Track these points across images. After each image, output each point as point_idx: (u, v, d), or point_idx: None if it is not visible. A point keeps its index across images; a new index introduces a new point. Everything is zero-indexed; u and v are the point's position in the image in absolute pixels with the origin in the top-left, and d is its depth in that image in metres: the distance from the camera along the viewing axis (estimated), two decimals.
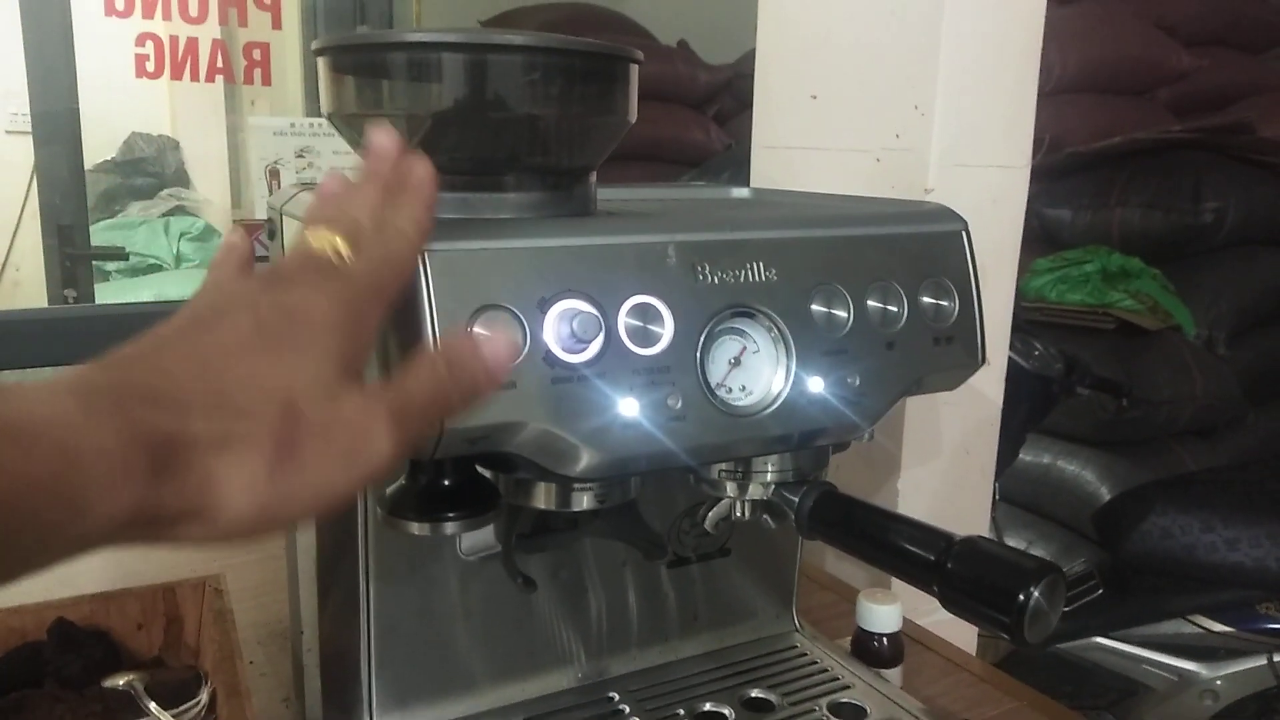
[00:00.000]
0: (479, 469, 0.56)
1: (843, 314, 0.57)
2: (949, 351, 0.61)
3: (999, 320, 1.11)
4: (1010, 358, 2.13)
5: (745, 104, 3.39)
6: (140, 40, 2.27)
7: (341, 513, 0.63)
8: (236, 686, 0.67)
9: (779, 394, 0.55)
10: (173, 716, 0.68)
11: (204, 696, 0.70)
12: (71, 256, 2.35)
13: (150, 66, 2.30)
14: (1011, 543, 2.44)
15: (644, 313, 0.51)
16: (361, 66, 0.56)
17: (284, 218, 0.65)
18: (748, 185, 0.99)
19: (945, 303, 0.60)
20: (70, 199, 2.34)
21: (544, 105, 0.56)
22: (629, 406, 0.51)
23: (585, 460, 0.51)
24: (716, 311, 0.53)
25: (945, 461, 1.09)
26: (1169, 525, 2.20)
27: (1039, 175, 3.01)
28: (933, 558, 0.54)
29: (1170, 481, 2.32)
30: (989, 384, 1.11)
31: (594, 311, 0.50)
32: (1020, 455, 2.49)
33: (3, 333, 1.61)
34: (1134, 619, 2.19)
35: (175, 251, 3.22)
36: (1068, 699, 2.12)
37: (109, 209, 3.36)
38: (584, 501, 0.58)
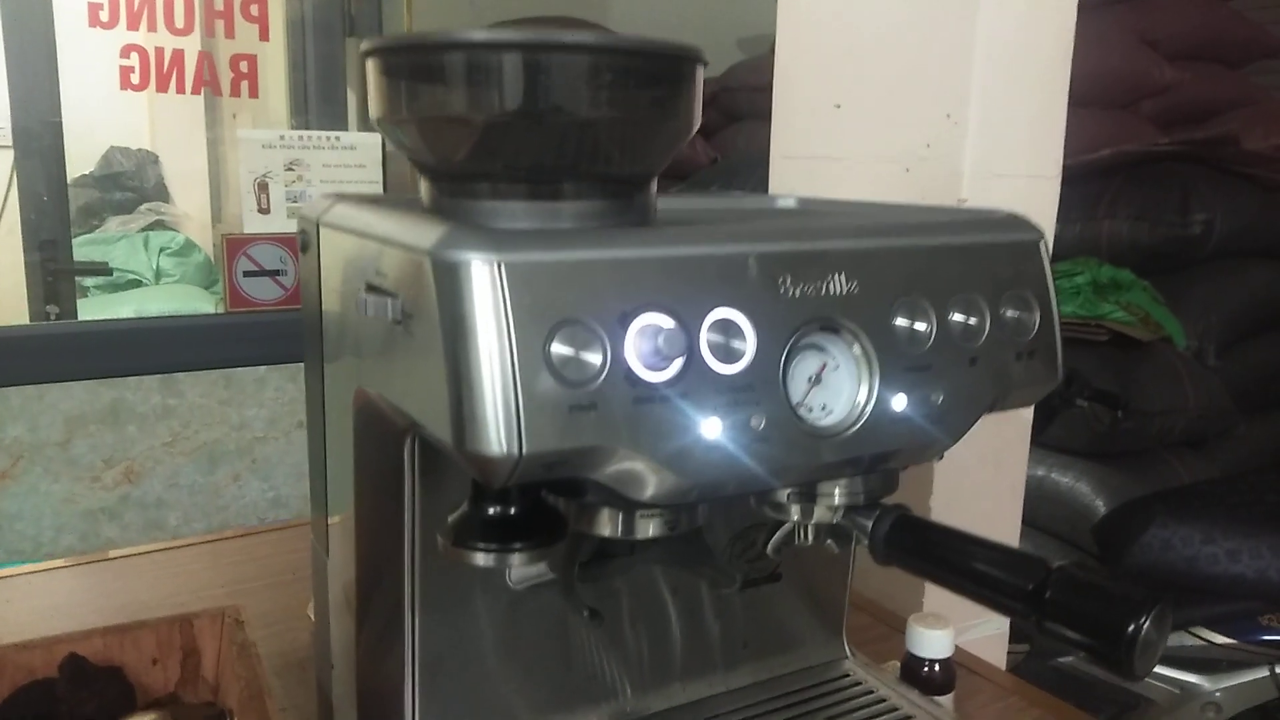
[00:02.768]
0: (544, 495, 0.53)
1: (925, 328, 0.54)
2: (1030, 366, 0.58)
3: None
4: None
5: (732, 117, 3.39)
6: (125, 52, 2.22)
7: (384, 540, 0.60)
8: None
9: (862, 413, 0.52)
10: None
11: None
12: (54, 272, 2.29)
13: (135, 79, 2.25)
14: None
15: (726, 328, 0.48)
16: (416, 69, 0.52)
17: (321, 229, 0.61)
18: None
19: (1026, 315, 0.58)
20: (52, 213, 2.28)
21: (608, 108, 0.53)
22: (711, 427, 0.48)
23: (664, 485, 0.48)
24: (799, 326, 0.50)
25: (976, 476, 1.07)
26: (1169, 537, 2.19)
27: None
28: (1031, 587, 0.51)
29: (1169, 493, 2.32)
30: None
31: (673, 325, 0.46)
32: None
33: None
34: None
35: (155, 267, 3.17)
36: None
37: (87, 224, 3.30)
38: (651, 529, 0.54)
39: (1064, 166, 2.79)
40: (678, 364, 0.47)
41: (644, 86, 0.54)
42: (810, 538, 0.62)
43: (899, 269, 0.54)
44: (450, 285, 0.44)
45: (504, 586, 0.63)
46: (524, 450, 0.43)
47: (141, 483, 1.76)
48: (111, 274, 2.64)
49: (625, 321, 0.46)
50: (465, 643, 0.63)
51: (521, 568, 0.62)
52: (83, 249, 3.23)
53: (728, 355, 0.48)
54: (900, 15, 1.01)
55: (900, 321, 0.53)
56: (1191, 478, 2.53)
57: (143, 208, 3.48)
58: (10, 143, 2.21)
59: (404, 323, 0.48)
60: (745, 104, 3.18)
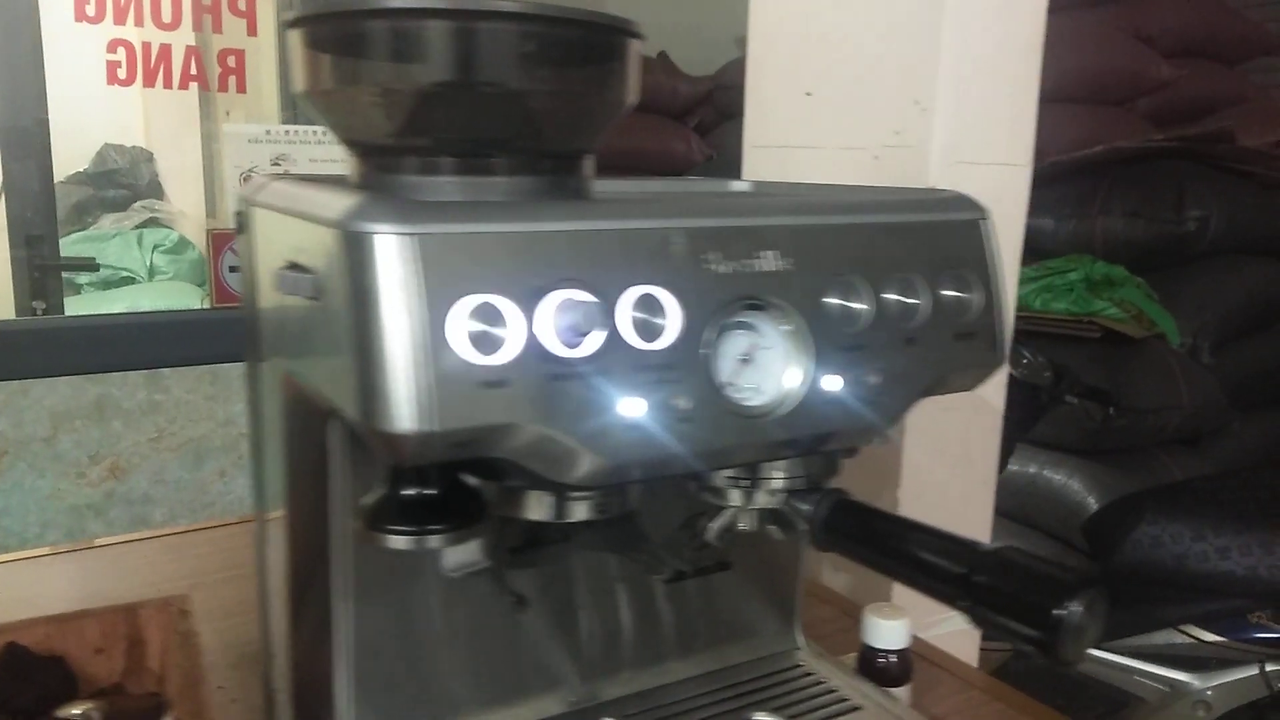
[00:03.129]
0: (464, 478, 0.52)
1: (861, 307, 0.53)
2: (971, 348, 0.57)
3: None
4: None
5: (726, 115, 3.37)
6: (112, 47, 2.21)
7: (314, 528, 0.58)
8: (200, 715, 0.62)
9: (794, 394, 0.51)
10: None
11: None
12: (40, 268, 2.29)
13: (122, 74, 2.24)
14: None
15: (648, 304, 0.47)
16: (339, 38, 0.51)
17: (255, 209, 0.60)
18: None
19: (967, 295, 0.56)
20: (39, 210, 2.28)
21: (538, 80, 0.52)
22: (632, 407, 0.46)
23: (585, 465, 0.47)
24: (726, 303, 0.49)
25: (946, 469, 1.06)
26: (1159, 534, 2.17)
27: None
28: (960, 571, 0.50)
29: (1160, 490, 2.30)
30: (991, 388, 1.07)
31: (591, 300, 0.45)
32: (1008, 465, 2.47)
33: None
34: (1124, 629, 2.16)
35: (148, 264, 3.16)
36: (1059, 712, 2.09)
37: (81, 221, 3.30)
38: (582, 512, 0.53)
39: (1057, 163, 2.77)
40: (596, 341, 0.46)
41: (575, 58, 0.54)
42: (753, 525, 0.61)
43: (833, 247, 0.52)
44: (358, 258, 0.43)
45: (438, 574, 0.62)
46: (432, 427, 0.42)
47: (127, 478, 1.75)
48: (98, 269, 2.64)
49: (540, 297, 0.45)
50: (400, 632, 0.62)
51: (457, 556, 0.60)
52: (76, 246, 3.22)
53: (649, 332, 0.47)
54: (869, 0, 1.00)
55: (834, 300, 0.52)
56: (1185, 475, 2.51)
57: (136, 205, 3.47)
58: None
59: (319, 299, 0.47)
60: (740, 101, 3.17)
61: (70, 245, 3.36)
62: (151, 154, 3.56)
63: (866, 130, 1.02)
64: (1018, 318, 2.67)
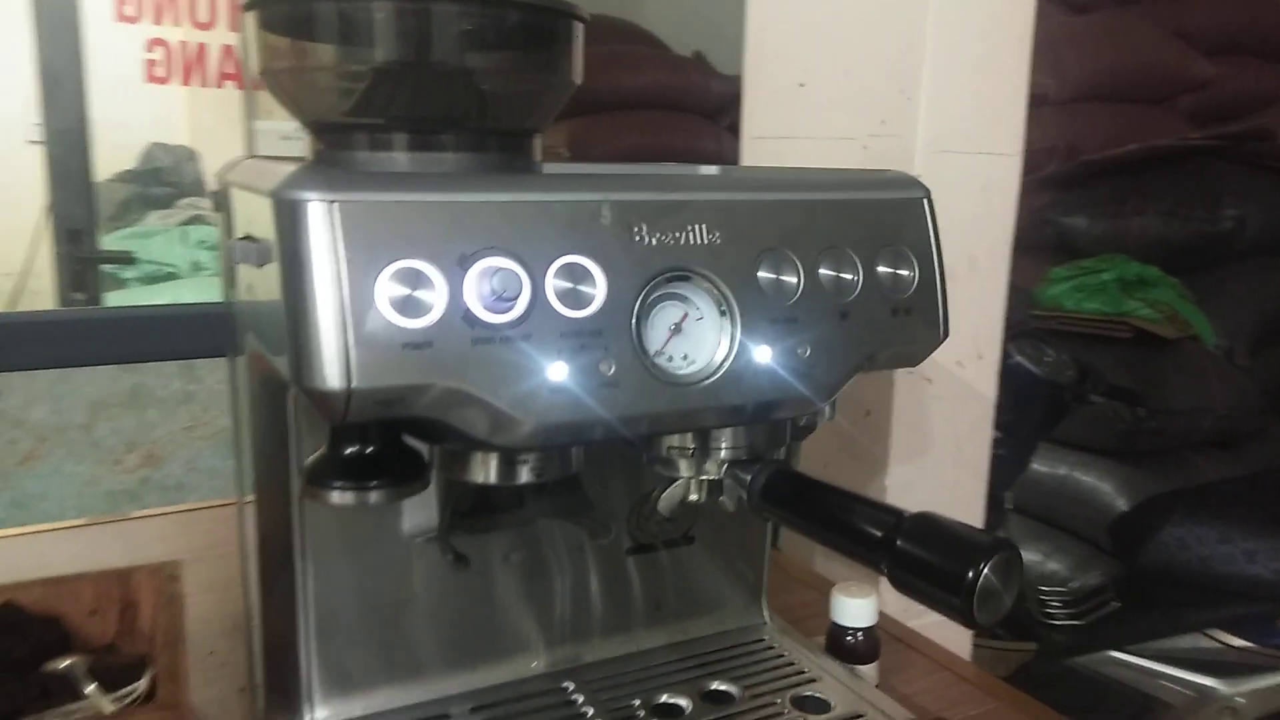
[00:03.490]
0: (407, 440, 0.54)
1: (792, 280, 0.54)
2: (908, 323, 0.58)
3: (992, 312, 1.08)
4: (1020, 364, 2.10)
5: None
6: (150, 45, 2.28)
7: (277, 495, 0.61)
8: (176, 671, 0.65)
9: (722, 363, 0.53)
10: (112, 701, 0.66)
11: (143, 682, 0.67)
12: (80, 260, 2.36)
13: (160, 72, 2.31)
14: (1027, 556, 2.39)
15: (574, 273, 0.49)
16: (291, 20, 0.54)
17: (229, 188, 0.63)
18: None
19: (904, 271, 0.58)
20: (80, 204, 2.35)
21: (479, 60, 0.54)
22: (557, 370, 0.48)
23: (511, 427, 0.49)
24: (654, 274, 0.51)
25: (935, 459, 1.06)
26: (1185, 536, 2.14)
27: (1054, 184, 2.97)
28: (880, 535, 0.51)
29: (1187, 492, 2.27)
30: (982, 379, 1.08)
31: (517, 269, 0.47)
32: (1035, 466, 2.45)
33: (9, 335, 1.61)
34: (1151, 633, 2.13)
35: (192, 260, 3.24)
36: (1082, 715, 2.07)
37: (127, 218, 3.39)
38: (521, 475, 0.55)
39: (1090, 161, 2.74)
40: (521, 306, 0.48)
41: (517, 40, 0.56)
42: (703, 495, 0.63)
43: (763, 222, 0.54)
44: (289, 224, 0.45)
45: (399, 539, 0.64)
46: (354, 384, 0.45)
47: (162, 466, 1.80)
48: (134, 263, 2.72)
49: (466, 264, 0.47)
50: (362, 595, 0.64)
51: (413, 519, 0.63)
52: (122, 242, 3.32)
53: (576, 300, 0.49)
54: None
55: (764, 274, 0.54)
56: (1219, 478, 2.47)
57: (181, 202, 3.56)
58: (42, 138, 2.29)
59: (263, 267, 0.50)
60: None
61: (116, 241, 3.45)
62: (195, 152, 3.65)
63: (856, 120, 1.03)
64: (1047, 317, 2.66)
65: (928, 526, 0.51)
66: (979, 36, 0.97)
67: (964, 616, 0.48)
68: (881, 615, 0.94)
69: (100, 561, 0.82)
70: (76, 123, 2.22)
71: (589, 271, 0.49)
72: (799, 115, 1.10)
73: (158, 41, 2.28)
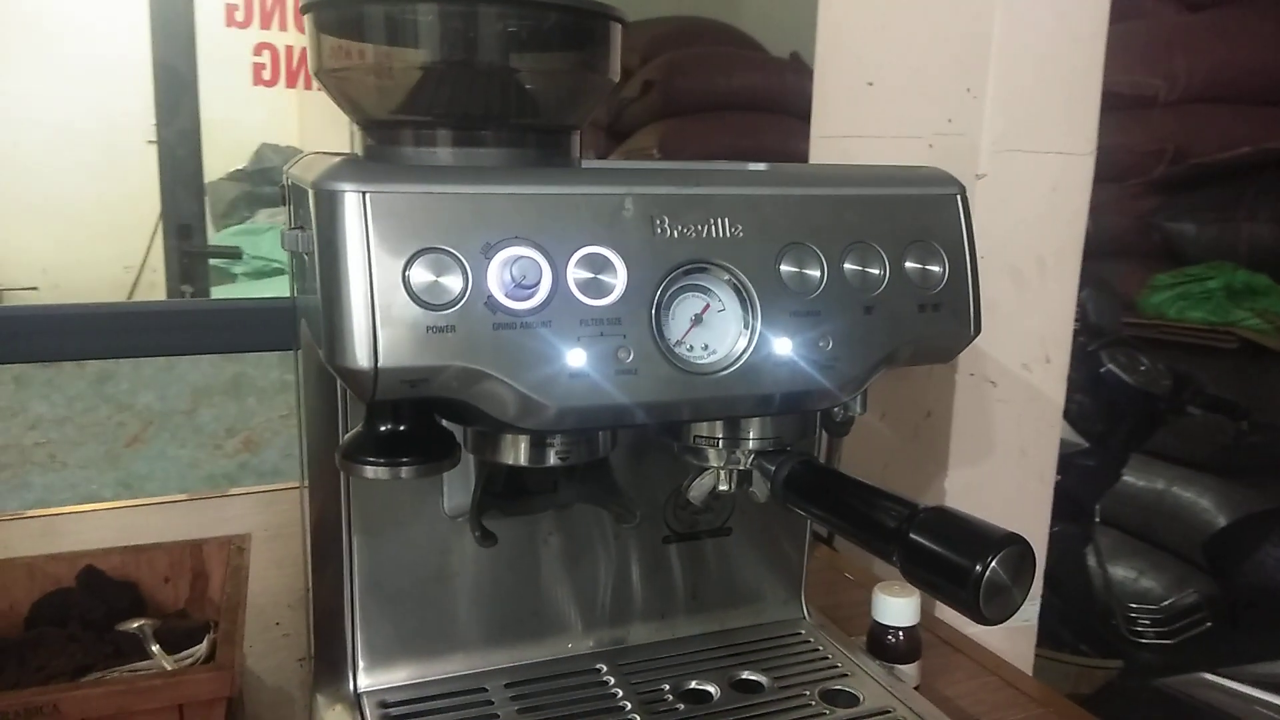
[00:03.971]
0: (439, 420, 0.56)
1: (815, 274, 0.55)
2: (935, 319, 0.58)
3: (1061, 316, 1.05)
4: (1113, 372, 2.03)
5: None
6: (258, 49, 2.39)
7: (327, 471, 0.64)
8: (233, 636, 0.69)
9: (741, 353, 0.54)
10: (174, 661, 0.70)
11: (204, 645, 0.72)
12: (189, 255, 2.48)
13: (267, 75, 2.42)
14: (1120, 572, 2.33)
15: (595, 263, 0.51)
16: (342, 23, 0.57)
17: (293, 182, 0.67)
18: None
19: (933, 267, 0.58)
20: (189, 201, 2.47)
21: (520, 60, 0.57)
22: (576, 357, 0.50)
23: (532, 410, 0.51)
24: (675, 266, 0.52)
25: (998, 464, 1.05)
26: None
27: (1161, 188, 2.86)
28: (894, 525, 0.51)
29: None
30: (1049, 382, 1.06)
31: (538, 258, 0.49)
32: (1131, 479, 2.37)
33: (119, 324, 1.71)
34: (1246, 656, 2.04)
35: None
36: None
37: (238, 215, 3.54)
38: (548, 457, 0.58)
39: (1200, 165, 2.63)
40: (542, 294, 0.50)
41: (557, 40, 0.58)
42: (733, 485, 0.64)
43: (787, 216, 0.55)
44: (326, 213, 0.48)
45: (442, 519, 0.67)
46: (380, 364, 0.47)
47: (260, 451, 1.89)
48: (241, 257, 2.84)
49: (489, 252, 0.49)
50: (406, 570, 0.67)
51: (454, 499, 0.66)
52: (233, 239, 3.47)
53: (596, 290, 0.51)
54: None
55: (787, 267, 0.55)
56: None
57: None
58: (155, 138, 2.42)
59: (310, 254, 0.53)
60: None
61: (226, 237, 3.61)
62: (303, 152, 3.78)
63: (923, 119, 1.02)
64: (1147, 325, 2.57)
65: (941, 519, 0.51)
66: (1049, 34, 0.96)
67: (970, 610, 0.48)
68: (935, 620, 0.94)
69: (185, 534, 0.88)
70: (189, 124, 2.33)
71: (610, 262, 0.51)
72: (867, 114, 1.10)
73: (265, 45, 2.39)
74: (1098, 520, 2.15)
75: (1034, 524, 1.10)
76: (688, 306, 0.54)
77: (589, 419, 0.52)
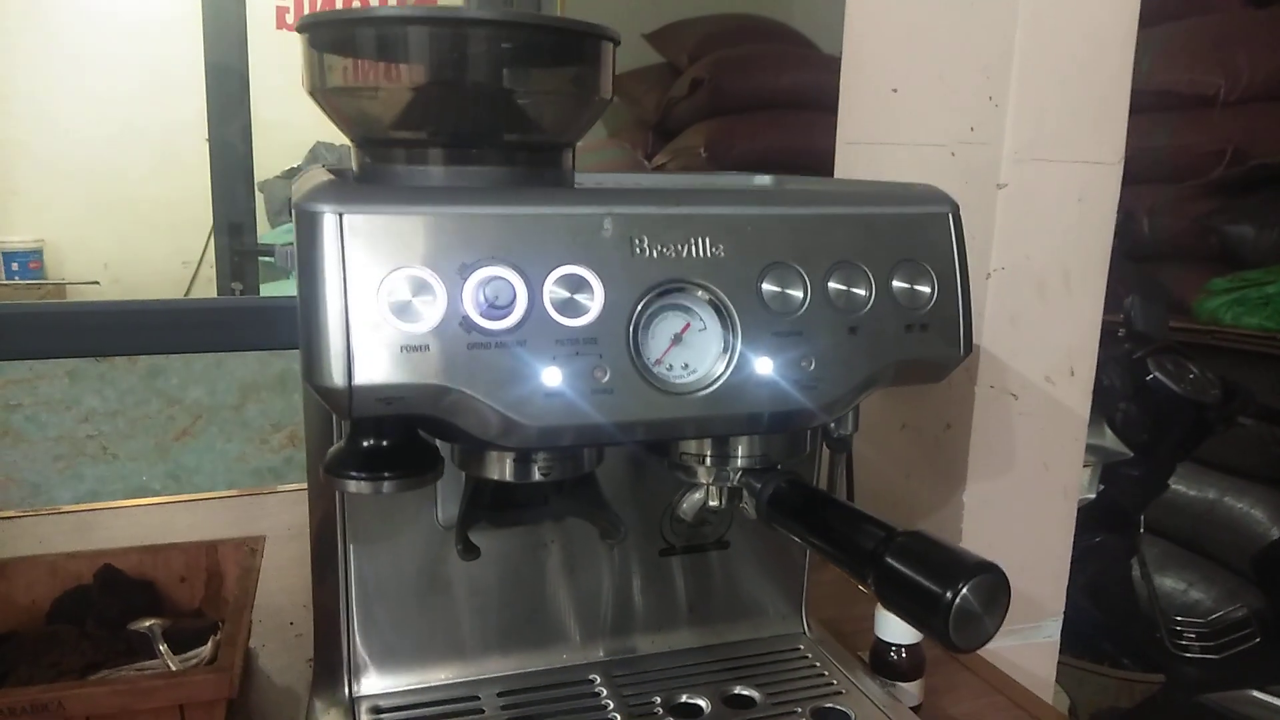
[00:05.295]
0: (421, 434, 0.57)
1: (798, 294, 0.55)
2: (924, 339, 0.57)
3: (1087, 328, 1.03)
4: (1160, 380, 1.99)
5: None
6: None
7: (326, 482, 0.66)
8: (235, 639, 0.70)
9: (721, 373, 0.54)
10: (180, 661, 0.72)
11: (208, 647, 0.74)
12: (239, 253, 2.53)
13: None
14: (1167, 583, 2.28)
15: (572, 283, 0.51)
16: (335, 42, 0.58)
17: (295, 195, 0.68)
18: None
19: (922, 288, 0.57)
20: (240, 200, 2.52)
21: (512, 80, 0.57)
22: (551, 376, 0.51)
23: (508, 428, 0.51)
24: (653, 285, 0.53)
25: (1019, 478, 1.03)
26: None
27: (1219, 189, 2.79)
28: (870, 548, 0.51)
29: None
30: (1073, 395, 1.04)
31: (512, 278, 0.50)
32: (1180, 488, 2.32)
33: (170, 321, 1.75)
34: None
35: None
36: None
37: (290, 213, 3.60)
38: (530, 473, 0.58)
39: (1262, 165, 2.56)
40: (518, 314, 0.50)
41: (549, 60, 0.58)
42: (723, 501, 0.64)
43: (769, 236, 0.55)
44: (305, 232, 0.49)
45: (436, 528, 0.68)
46: (354, 382, 0.48)
47: (305, 446, 1.92)
48: None
49: (465, 272, 0.50)
50: (401, 578, 0.68)
51: (448, 510, 0.66)
52: (285, 236, 3.53)
53: (572, 309, 0.51)
54: None
55: (769, 287, 0.54)
56: None
57: None
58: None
59: (297, 270, 0.54)
60: None
61: (279, 235, 3.68)
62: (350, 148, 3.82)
63: (946, 127, 1.01)
64: (1200, 331, 2.51)
65: (917, 544, 0.50)
66: (1074, 40, 0.94)
67: (940, 637, 0.47)
68: None
69: (215, 532, 0.89)
70: (240, 124, 2.38)
71: (587, 281, 0.51)
72: (891, 120, 1.09)
73: None
74: (1142, 530, 2.10)
75: (1056, 540, 1.08)
76: (668, 325, 0.54)
77: (566, 437, 0.53)
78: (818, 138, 3.18)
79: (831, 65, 3.35)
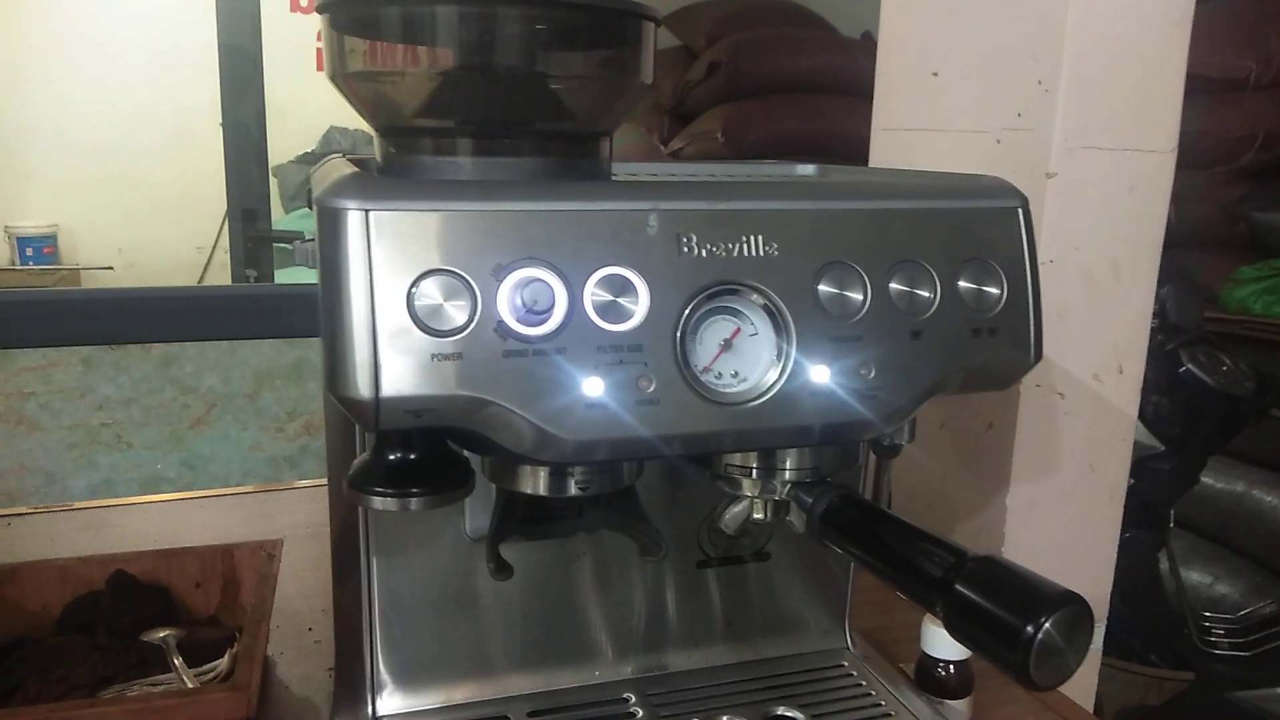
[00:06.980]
0: (451, 446, 0.54)
1: (857, 296, 0.51)
2: (991, 345, 0.53)
3: (1137, 324, 0.99)
4: (1192, 372, 1.94)
5: None
6: (320, 35, 2.39)
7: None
8: (254, 653, 0.67)
9: (774, 382, 0.50)
10: (195, 675, 0.69)
11: (225, 660, 0.70)
12: (253, 239, 2.50)
13: None
14: (1195, 578, 2.23)
15: (615, 285, 0.47)
16: (358, 23, 0.54)
17: (313, 184, 0.65)
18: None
19: (990, 289, 0.53)
20: (254, 185, 2.49)
21: (546, 64, 0.53)
22: (593, 386, 0.47)
23: (546, 442, 0.47)
24: (702, 288, 0.49)
25: (1064, 479, 0.99)
26: None
27: (1249, 175, 2.74)
28: (939, 575, 0.47)
29: None
30: (1121, 394, 1.00)
31: (550, 280, 0.46)
32: (1209, 481, 2.27)
33: (183, 308, 1.72)
34: None
35: None
36: None
37: (306, 199, 3.57)
38: (567, 487, 0.54)
39: None
40: (557, 319, 0.46)
41: (585, 42, 0.54)
42: (769, 515, 0.60)
43: (826, 233, 0.51)
44: (328, 232, 0.45)
45: (464, 540, 0.64)
46: (381, 393, 0.44)
47: (320, 435, 1.89)
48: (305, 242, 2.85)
49: (500, 274, 0.46)
50: (426, 592, 0.65)
51: (476, 522, 0.63)
52: (300, 223, 3.50)
53: (615, 314, 0.47)
54: None
55: (825, 288, 0.50)
56: None
57: None
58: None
59: (319, 269, 0.50)
60: None
61: (293, 220, 3.65)
62: (373, 136, 3.79)
63: (990, 112, 0.96)
64: (1229, 321, 2.46)
65: (991, 571, 0.46)
66: (1127, 21, 0.89)
67: (1020, 674, 0.44)
68: None
69: (227, 532, 0.86)
70: (254, 108, 2.34)
71: (631, 283, 0.47)
72: (931, 105, 1.04)
73: None
74: (1172, 525, 2.06)
75: (1101, 544, 1.04)
76: (716, 331, 0.50)
77: (607, 451, 0.49)
78: (838, 122, 3.14)
79: (850, 47, 3.30)
